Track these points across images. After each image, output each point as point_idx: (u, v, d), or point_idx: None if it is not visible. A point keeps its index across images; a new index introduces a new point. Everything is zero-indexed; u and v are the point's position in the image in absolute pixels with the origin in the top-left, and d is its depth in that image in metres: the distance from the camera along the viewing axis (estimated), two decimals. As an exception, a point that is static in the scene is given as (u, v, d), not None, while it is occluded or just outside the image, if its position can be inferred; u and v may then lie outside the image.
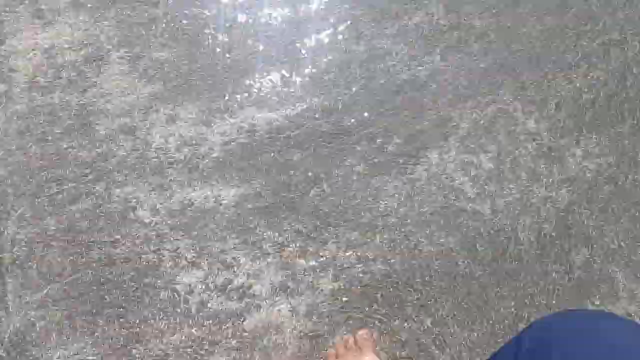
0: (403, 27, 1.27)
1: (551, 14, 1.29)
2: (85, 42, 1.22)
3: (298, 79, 1.22)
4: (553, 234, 1.11)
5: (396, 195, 1.13)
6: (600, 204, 1.14)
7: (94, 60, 1.21)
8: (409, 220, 1.11)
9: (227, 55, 1.23)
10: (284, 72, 1.22)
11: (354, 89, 1.21)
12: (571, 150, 1.18)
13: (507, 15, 1.29)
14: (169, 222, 1.12)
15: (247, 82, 1.21)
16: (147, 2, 1.27)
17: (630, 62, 1.26)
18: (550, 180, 1.15)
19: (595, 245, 1.11)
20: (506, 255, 1.09)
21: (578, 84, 1.23)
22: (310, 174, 1.15)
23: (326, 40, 1.26)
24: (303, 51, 1.24)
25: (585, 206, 1.14)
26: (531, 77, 1.24)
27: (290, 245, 1.10)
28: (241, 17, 1.26)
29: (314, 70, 1.23)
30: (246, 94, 1.20)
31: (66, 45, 1.22)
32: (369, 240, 1.10)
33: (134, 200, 1.13)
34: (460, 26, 1.27)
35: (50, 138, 1.16)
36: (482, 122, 1.19)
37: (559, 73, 1.24)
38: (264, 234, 1.10)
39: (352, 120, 1.18)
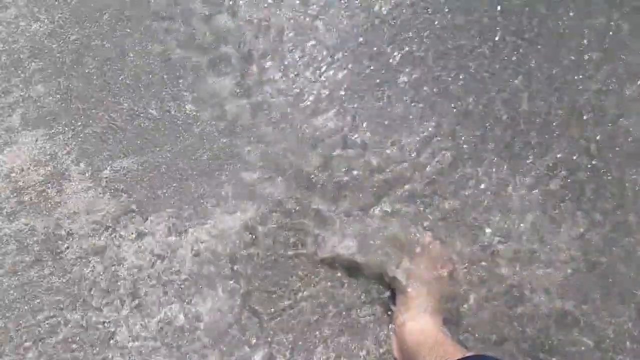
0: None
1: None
2: (43, 161, 1.18)
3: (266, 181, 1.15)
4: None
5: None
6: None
7: (55, 179, 1.17)
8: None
9: (192, 158, 1.17)
10: (251, 173, 1.16)
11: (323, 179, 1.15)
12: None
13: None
14: (150, 344, 1.08)
15: (216, 184, 1.15)
16: (103, 108, 1.21)
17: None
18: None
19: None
20: None
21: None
22: (287, 279, 1.09)
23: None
24: (269, 148, 1.18)
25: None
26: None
27: (278, 357, 1.06)
28: (204, 114, 1.19)
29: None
30: (215, 198, 1.14)
31: (25, 167, 1.18)
32: (358, 350, 1.05)
33: (112, 325, 1.09)
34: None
35: (20, 268, 1.13)
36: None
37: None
38: (250, 349, 1.06)
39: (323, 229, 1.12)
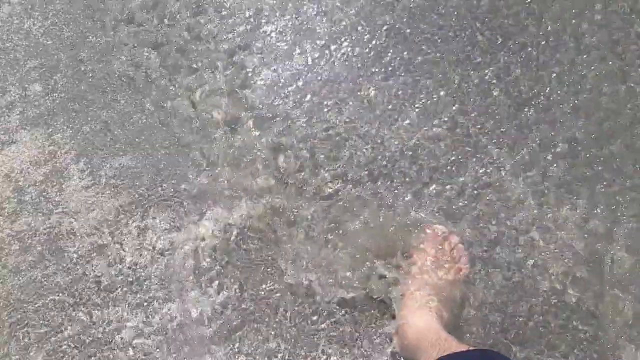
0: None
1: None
2: (43, 160, 1.18)
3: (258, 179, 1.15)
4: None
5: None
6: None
7: (55, 178, 1.17)
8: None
9: (190, 155, 1.17)
10: (245, 170, 1.16)
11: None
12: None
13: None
14: (154, 340, 1.09)
15: (213, 180, 1.15)
16: (101, 105, 1.21)
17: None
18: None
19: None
20: None
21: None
22: (285, 272, 1.10)
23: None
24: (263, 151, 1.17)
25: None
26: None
27: (279, 350, 1.07)
28: (197, 111, 1.19)
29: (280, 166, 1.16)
30: (213, 194, 1.14)
31: (25, 166, 1.18)
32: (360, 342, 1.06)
33: (117, 322, 1.10)
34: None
35: (24, 267, 1.14)
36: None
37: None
38: (251, 343, 1.07)
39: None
